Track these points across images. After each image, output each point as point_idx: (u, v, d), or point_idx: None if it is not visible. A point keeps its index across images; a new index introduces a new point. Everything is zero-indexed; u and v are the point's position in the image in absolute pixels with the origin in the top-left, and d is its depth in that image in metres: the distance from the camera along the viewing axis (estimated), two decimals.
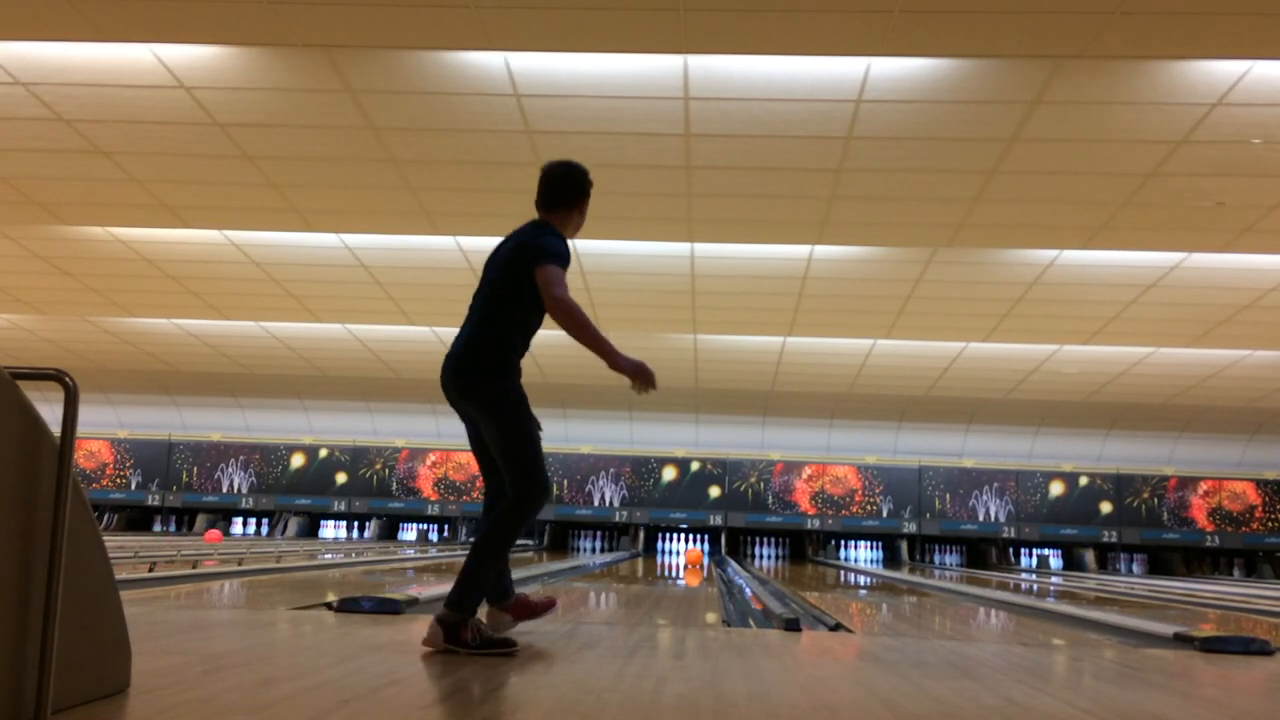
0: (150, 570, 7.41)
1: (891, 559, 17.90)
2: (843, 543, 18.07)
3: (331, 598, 5.56)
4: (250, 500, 18.24)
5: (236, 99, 7.19)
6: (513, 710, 2.52)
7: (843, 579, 11.74)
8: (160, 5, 6.04)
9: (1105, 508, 17.65)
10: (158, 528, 18.43)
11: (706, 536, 17.88)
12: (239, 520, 18.49)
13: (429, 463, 18.18)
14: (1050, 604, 7.84)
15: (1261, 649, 4.36)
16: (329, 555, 11.44)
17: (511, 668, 3.09)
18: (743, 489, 17.84)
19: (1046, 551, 18.15)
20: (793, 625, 4.74)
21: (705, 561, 14.52)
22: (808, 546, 17.93)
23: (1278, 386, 14.39)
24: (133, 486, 18.36)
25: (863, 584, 10.80)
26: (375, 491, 18.15)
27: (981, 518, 17.67)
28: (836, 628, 5.38)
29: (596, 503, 17.86)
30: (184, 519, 18.63)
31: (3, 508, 1.95)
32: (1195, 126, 7.02)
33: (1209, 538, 17.47)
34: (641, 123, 7.30)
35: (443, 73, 6.76)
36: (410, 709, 2.42)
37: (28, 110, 7.46)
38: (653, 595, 7.47)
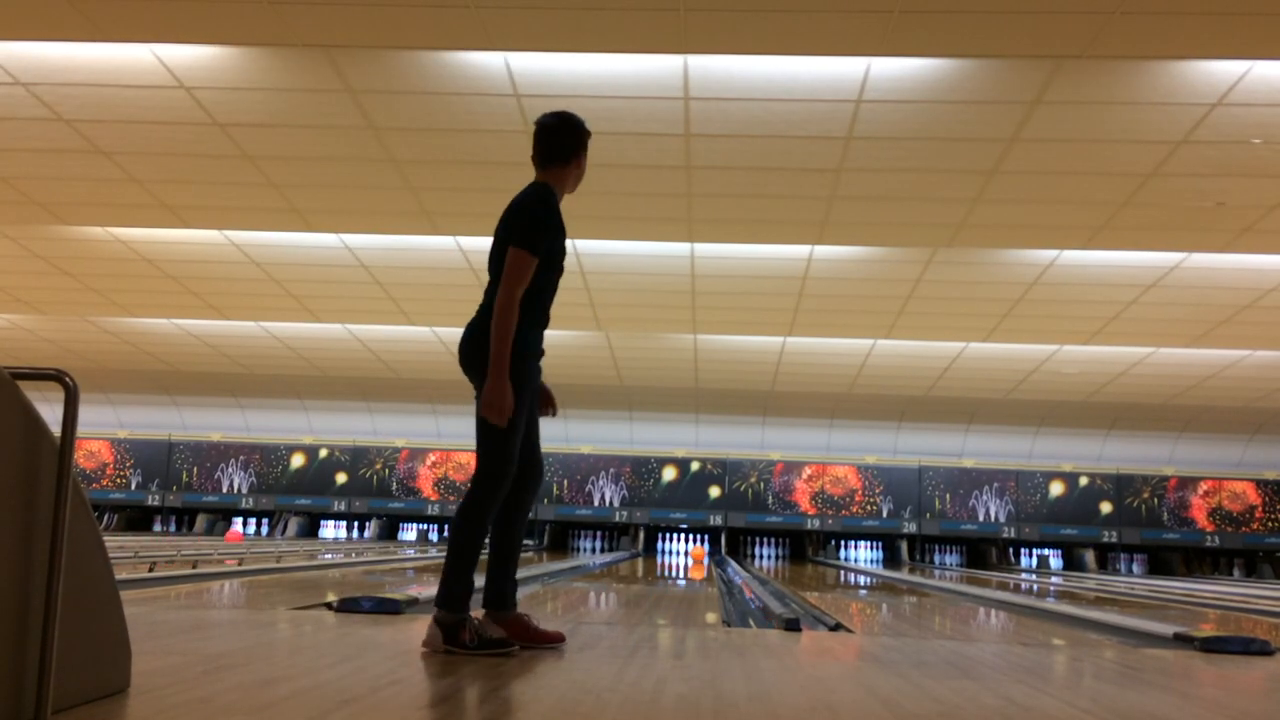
0: (150, 570, 7.41)
1: (891, 559, 17.89)
2: (843, 543, 18.07)
3: (331, 598, 5.56)
4: (250, 500, 18.23)
5: (236, 99, 7.19)
6: (512, 710, 2.52)
7: (843, 579, 11.74)
8: (160, 5, 6.04)
9: (1105, 508, 17.64)
10: (158, 528, 18.43)
11: (706, 536, 17.88)
12: (239, 520, 18.49)
13: (429, 463, 18.17)
14: (1050, 604, 7.84)
15: (1261, 649, 4.36)
16: (329, 555, 11.44)
17: (511, 668, 3.09)
18: (743, 489, 17.83)
19: (1046, 552, 18.15)
20: (793, 625, 4.74)
21: (706, 561, 14.53)
22: (808, 546, 17.93)
23: (1278, 386, 14.39)
24: (133, 486, 18.36)
25: (863, 584, 10.80)
26: (375, 491, 18.14)
27: (981, 518, 17.67)
28: (836, 628, 5.38)
29: (596, 503, 17.86)
30: (184, 519, 18.63)
31: (3, 508, 1.95)
32: (1195, 126, 7.02)
33: (1209, 538, 17.46)
34: (641, 123, 7.30)
35: (443, 73, 6.76)
36: (410, 709, 2.42)
37: (28, 110, 7.47)
38: (653, 595, 7.47)
